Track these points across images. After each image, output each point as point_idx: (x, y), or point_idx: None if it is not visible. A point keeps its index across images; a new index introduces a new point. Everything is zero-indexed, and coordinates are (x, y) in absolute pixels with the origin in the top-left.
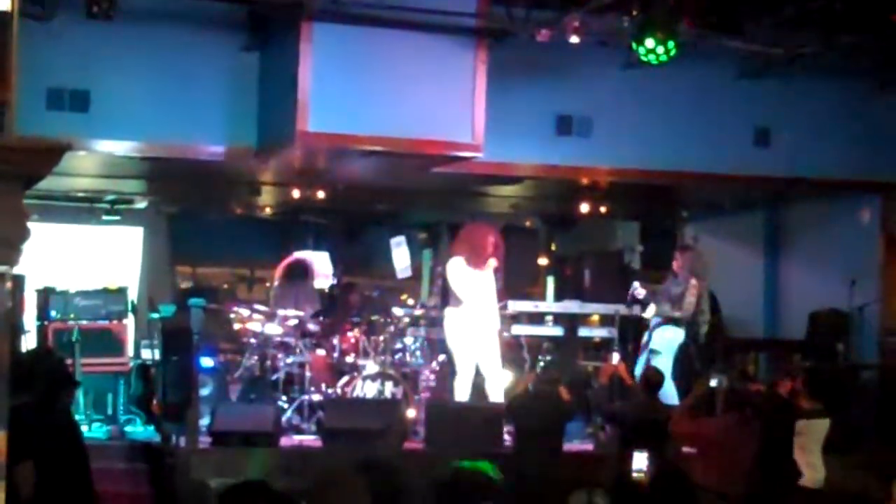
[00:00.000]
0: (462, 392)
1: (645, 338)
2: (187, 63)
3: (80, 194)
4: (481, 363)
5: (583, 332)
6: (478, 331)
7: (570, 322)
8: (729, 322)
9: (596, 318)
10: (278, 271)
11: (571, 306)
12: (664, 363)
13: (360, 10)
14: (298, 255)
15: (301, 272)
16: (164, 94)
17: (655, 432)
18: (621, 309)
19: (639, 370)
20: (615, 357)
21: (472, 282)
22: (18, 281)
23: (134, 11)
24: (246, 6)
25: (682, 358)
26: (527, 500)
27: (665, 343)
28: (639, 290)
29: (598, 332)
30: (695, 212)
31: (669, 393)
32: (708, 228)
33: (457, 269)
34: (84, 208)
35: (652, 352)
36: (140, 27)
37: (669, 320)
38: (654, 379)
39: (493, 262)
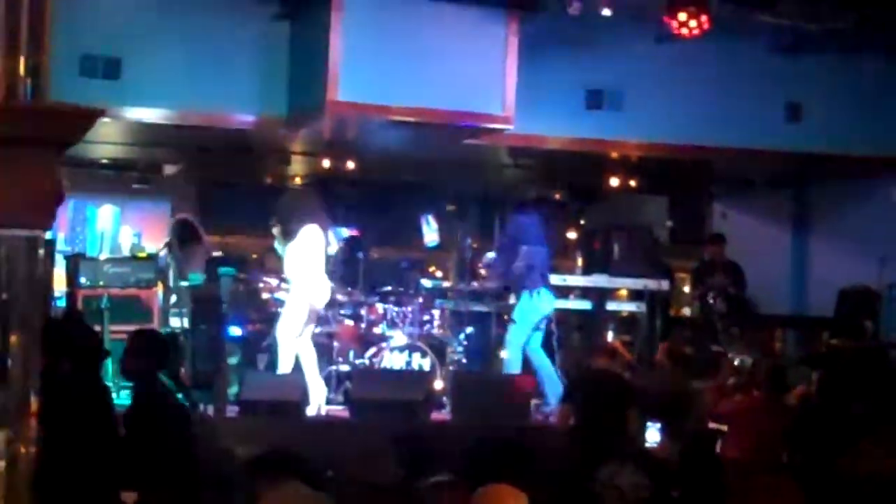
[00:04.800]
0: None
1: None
2: (219, 32)
3: (108, 162)
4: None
5: (611, 306)
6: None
7: (599, 296)
8: (756, 298)
9: (624, 292)
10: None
11: (600, 280)
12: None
13: None
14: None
15: (192, 234)
16: (196, 63)
17: (677, 406)
18: (650, 283)
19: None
20: (610, 335)
21: None
22: (50, 246)
23: None
24: None
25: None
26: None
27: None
28: None
29: (627, 307)
30: (724, 187)
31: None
32: (737, 204)
33: None
34: (112, 176)
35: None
36: None
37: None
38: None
39: None
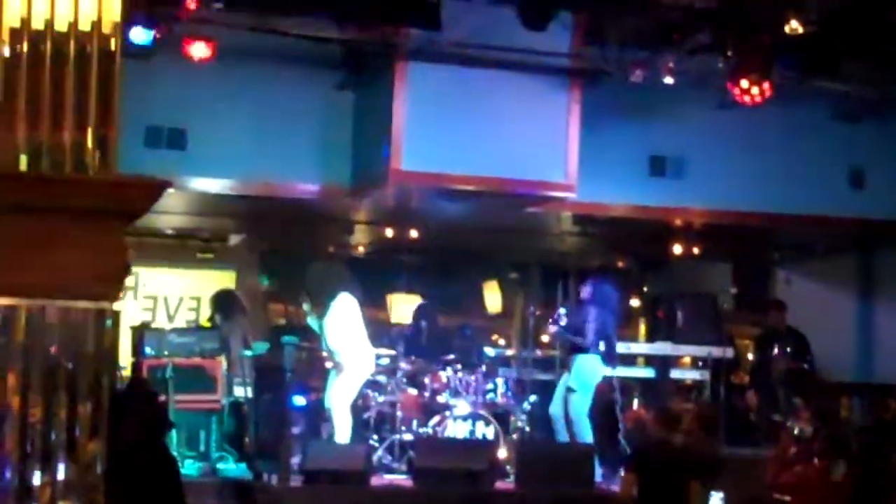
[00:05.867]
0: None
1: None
2: (282, 102)
3: (173, 231)
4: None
5: (675, 373)
6: None
7: (662, 363)
8: (821, 365)
9: (688, 359)
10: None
11: (664, 348)
12: (582, 400)
13: (454, 49)
14: (228, 287)
15: (234, 305)
16: (260, 133)
17: (711, 469)
18: (714, 351)
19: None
20: (636, 403)
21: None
22: (116, 317)
23: (230, 51)
24: (341, 45)
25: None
26: None
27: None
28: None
29: (690, 374)
30: (788, 254)
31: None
32: (801, 270)
33: None
34: (177, 245)
35: (568, 389)
36: (236, 66)
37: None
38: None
39: None
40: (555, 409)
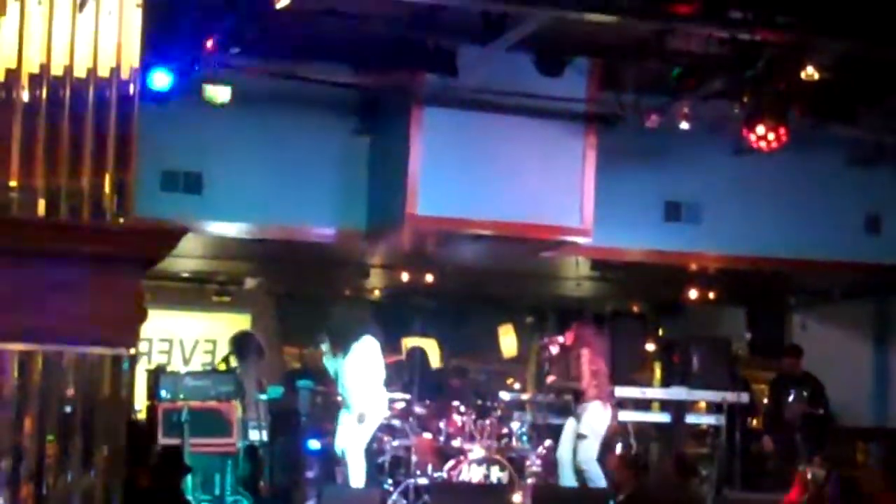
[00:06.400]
0: None
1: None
2: (298, 146)
3: (189, 275)
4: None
5: (690, 418)
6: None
7: (677, 409)
8: (837, 410)
9: (703, 405)
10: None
11: (679, 393)
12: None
13: (470, 95)
14: (248, 329)
15: (252, 348)
16: (276, 177)
17: None
18: (729, 396)
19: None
20: (618, 448)
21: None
22: (132, 361)
23: (246, 95)
24: (357, 91)
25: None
26: None
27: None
28: None
29: (706, 419)
30: (803, 299)
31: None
32: (817, 316)
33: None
34: (193, 289)
35: (579, 436)
36: (252, 111)
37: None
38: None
39: None
40: (563, 452)
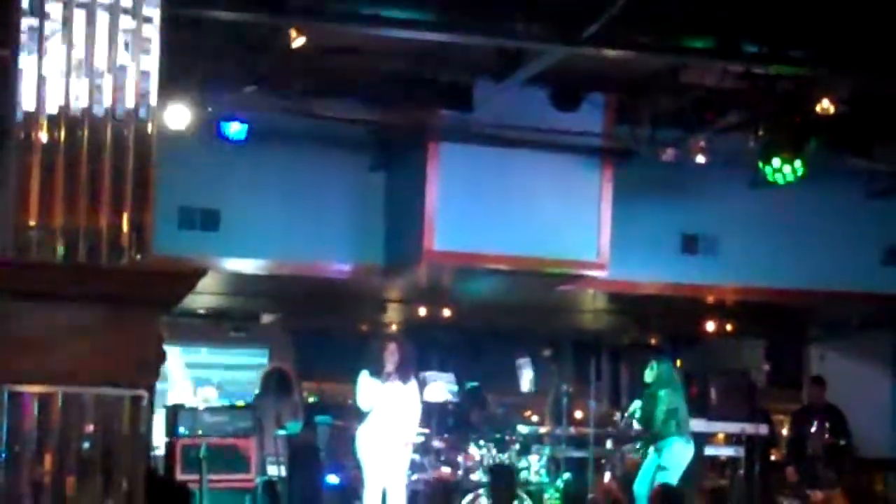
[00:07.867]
0: None
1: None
2: (315, 182)
3: (206, 311)
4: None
5: (709, 450)
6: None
7: (696, 440)
8: (857, 441)
9: (722, 436)
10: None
11: (697, 425)
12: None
13: (485, 130)
14: (279, 364)
15: (280, 383)
16: (293, 213)
17: None
18: (748, 428)
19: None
20: (607, 476)
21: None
22: (151, 401)
23: (263, 132)
24: (373, 127)
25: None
26: None
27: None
28: None
29: (725, 451)
30: (821, 330)
31: None
32: (835, 347)
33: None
34: (210, 325)
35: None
36: (268, 148)
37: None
38: (671, 495)
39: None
40: (640, 487)
